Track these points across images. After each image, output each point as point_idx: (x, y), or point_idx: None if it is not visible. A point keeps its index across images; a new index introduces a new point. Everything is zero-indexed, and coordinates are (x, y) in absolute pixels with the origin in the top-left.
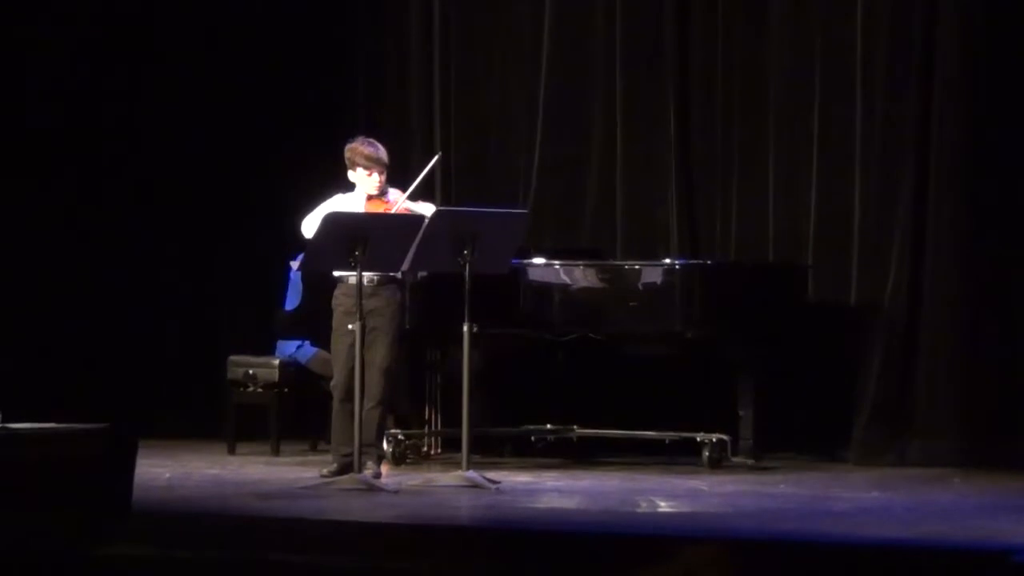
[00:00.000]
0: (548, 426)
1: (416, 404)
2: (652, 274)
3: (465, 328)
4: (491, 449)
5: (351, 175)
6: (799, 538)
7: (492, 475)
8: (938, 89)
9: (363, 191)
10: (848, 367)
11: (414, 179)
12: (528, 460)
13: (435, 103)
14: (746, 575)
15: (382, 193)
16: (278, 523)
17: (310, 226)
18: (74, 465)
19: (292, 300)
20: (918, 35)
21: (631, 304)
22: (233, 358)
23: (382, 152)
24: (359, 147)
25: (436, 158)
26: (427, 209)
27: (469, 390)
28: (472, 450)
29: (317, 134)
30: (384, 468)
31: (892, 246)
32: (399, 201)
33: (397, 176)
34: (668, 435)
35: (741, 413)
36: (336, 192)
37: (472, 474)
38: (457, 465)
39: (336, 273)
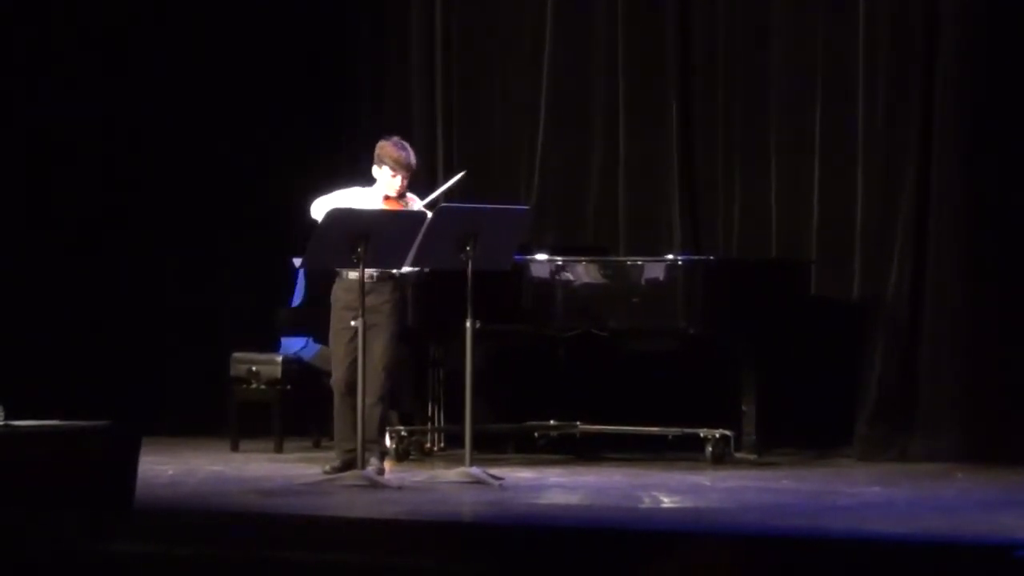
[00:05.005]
0: (551, 422)
1: (419, 400)
2: (655, 270)
3: (468, 325)
4: (494, 446)
5: (375, 171)
6: (802, 534)
7: (495, 471)
8: (939, 87)
9: (382, 189)
10: (850, 363)
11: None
12: (531, 456)
13: (437, 100)
14: (749, 571)
15: (400, 196)
16: (281, 520)
17: (320, 209)
18: (76, 462)
19: (298, 297)
20: (920, 34)
21: (634, 300)
22: (236, 355)
23: (411, 157)
24: (389, 147)
25: (460, 175)
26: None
27: (472, 386)
28: (475, 446)
29: (320, 131)
30: (387, 464)
31: (895, 242)
32: (414, 206)
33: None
34: (671, 431)
35: (744, 409)
36: (351, 185)
37: (475, 470)
38: (460, 461)
39: (335, 269)
